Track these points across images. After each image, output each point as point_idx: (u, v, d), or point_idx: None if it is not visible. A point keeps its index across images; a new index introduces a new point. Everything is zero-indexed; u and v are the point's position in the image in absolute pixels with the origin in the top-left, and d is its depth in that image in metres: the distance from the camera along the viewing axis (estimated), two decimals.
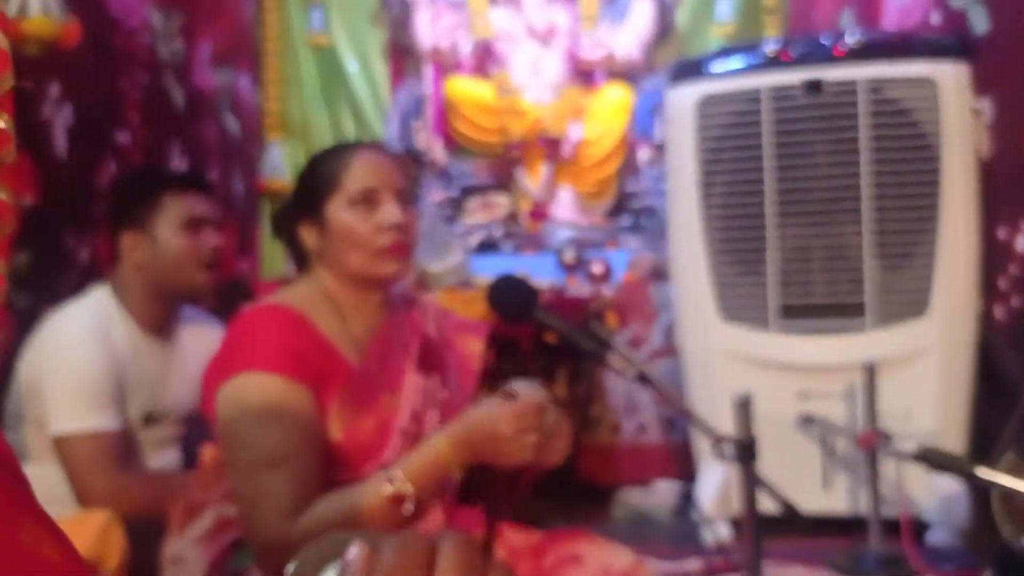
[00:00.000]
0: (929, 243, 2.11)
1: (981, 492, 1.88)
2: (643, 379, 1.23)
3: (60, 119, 1.99)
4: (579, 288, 2.85)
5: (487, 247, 3.42)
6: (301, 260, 1.38)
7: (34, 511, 0.25)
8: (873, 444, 1.91)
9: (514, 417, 1.13)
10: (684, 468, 2.55)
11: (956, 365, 2.12)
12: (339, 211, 1.27)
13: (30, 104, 1.91)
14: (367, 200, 1.27)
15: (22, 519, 0.24)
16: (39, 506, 0.25)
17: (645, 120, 3.74)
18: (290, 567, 0.35)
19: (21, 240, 1.84)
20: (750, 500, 1.21)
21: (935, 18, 2.33)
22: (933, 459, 1.42)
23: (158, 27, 2.50)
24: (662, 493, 2.65)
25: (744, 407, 1.23)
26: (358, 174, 1.28)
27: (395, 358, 1.34)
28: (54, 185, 1.95)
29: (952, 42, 2.13)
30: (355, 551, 0.32)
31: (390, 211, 1.27)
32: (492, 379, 1.37)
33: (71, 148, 2.03)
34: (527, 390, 1.17)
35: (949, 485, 2.00)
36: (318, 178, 1.31)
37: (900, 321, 2.14)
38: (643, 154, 3.69)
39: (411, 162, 3.44)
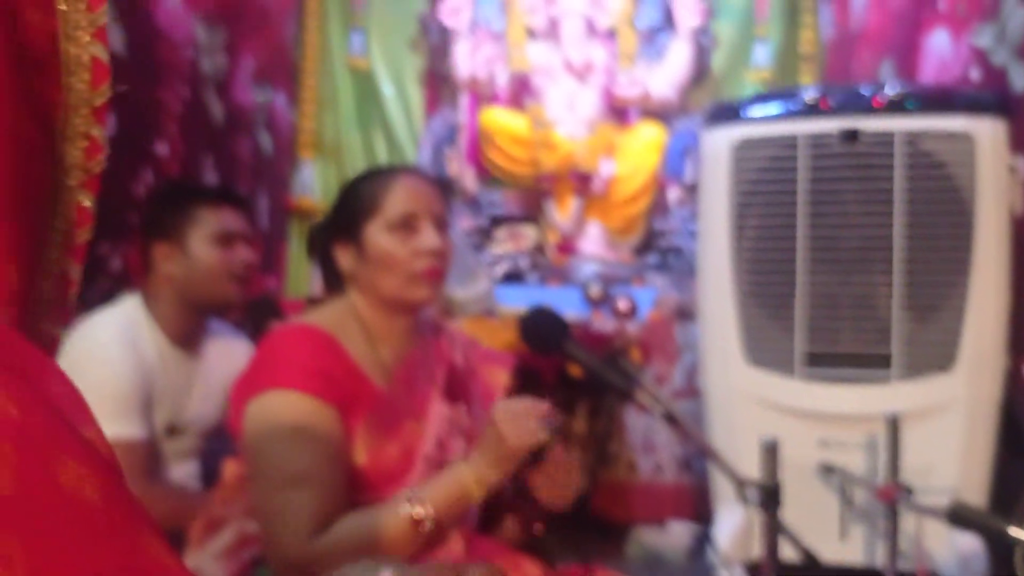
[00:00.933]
0: (959, 297, 2.09)
1: (1001, 549, 1.85)
2: (669, 418, 1.23)
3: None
4: (603, 323, 2.85)
5: (513, 277, 3.44)
6: (332, 281, 1.39)
7: (76, 450, 0.24)
8: (893, 497, 1.89)
9: (508, 407, 1.19)
10: (699, 510, 2.52)
11: (980, 421, 2.10)
12: (378, 234, 1.29)
13: None
14: (406, 225, 1.29)
15: (62, 459, 0.23)
16: (84, 445, 0.25)
17: (677, 160, 3.76)
18: None
19: None
20: (772, 546, 1.20)
21: (974, 74, 2.33)
22: (962, 516, 1.40)
23: (202, 41, 2.55)
24: (677, 534, 2.63)
25: (771, 452, 1.22)
26: (398, 198, 1.29)
27: (421, 385, 1.34)
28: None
29: (991, 98, 2.13)
30: None
31: (428, 237, 1.29)
32: None
33: (110, 157, 2.05)
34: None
35: (968, 541, 1.97)
36: (358, 200, 1.32)
37: (926, 374, 2.12)
38: (673, 194, 3.70)
39: (446, 189, 3.47)
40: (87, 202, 0.35)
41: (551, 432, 1.20)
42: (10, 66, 0.29)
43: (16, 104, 0.29)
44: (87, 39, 0.33)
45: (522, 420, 1.17)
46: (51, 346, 0.35)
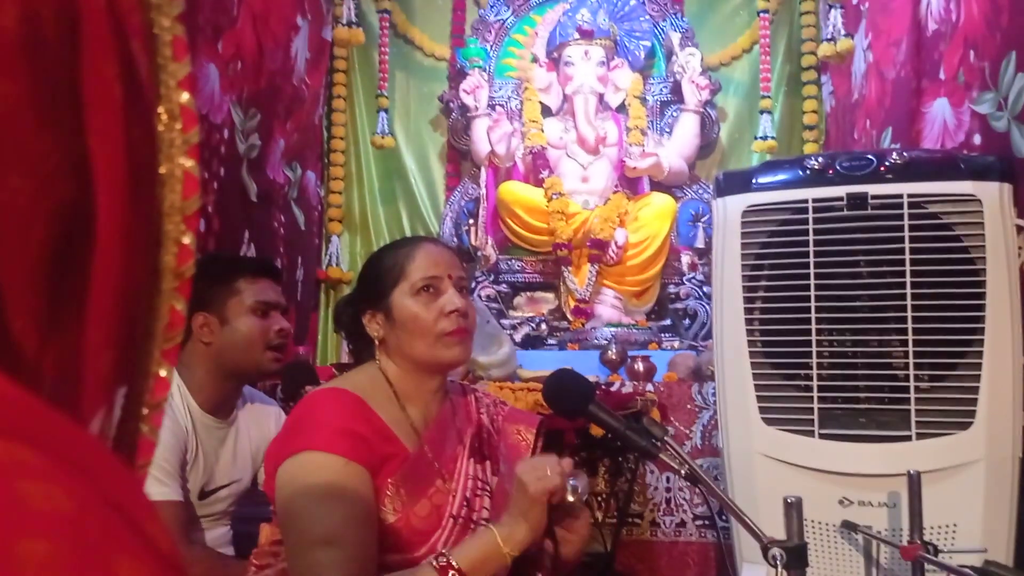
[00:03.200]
0: (974, 355, 2.12)
1: None
2: (693, 477, 1.25)
3: None
4: (622, 384, 2.89)
5: (533, 342, 3.49)
6: (360, 350, 1.44)
7: (134, 548, 0.23)
8: (917, 555, 1.89)
9: (530, 461, 1.23)
10: (722, 568, 2.51)
11: (1002, 477, 2.10)
12: (403, 299, 1.34)
13: None
14: (429, 288, 1.35)
15: (119, 558, 0.22)
16: (143, 543, 0.24)
17: (687, 227, 3.85)
18: None
19: None
20: None
21: (977, 139, 2.40)
22: (997, 574, 1.41)
23: (238, 124, 2.68)
24: None
25: (795, 510, 1.22)
26: (421, 264, 1.36)
27: (450, 445, 1.37)
28: None
29: (995, 163, 2.19)
30: None
31: (451, 298, 1.35)
32: None
33: None
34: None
35: None
36: (383, 270, 1.38)
37: (945, 432, 2.13)
38: (685, 259, 3.77)
39: (467, 257, 3.55)
40: (179, 306, 0.35)
41: (572, 487, 1.22)
42: (127, 171, 0.32)
43: (128, 218, 0.32)
44: (180, 155, 0.35)
45: (541, 470, 1.20)
46: (135, 449, 0.36)
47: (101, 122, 0.31)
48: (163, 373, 0.36)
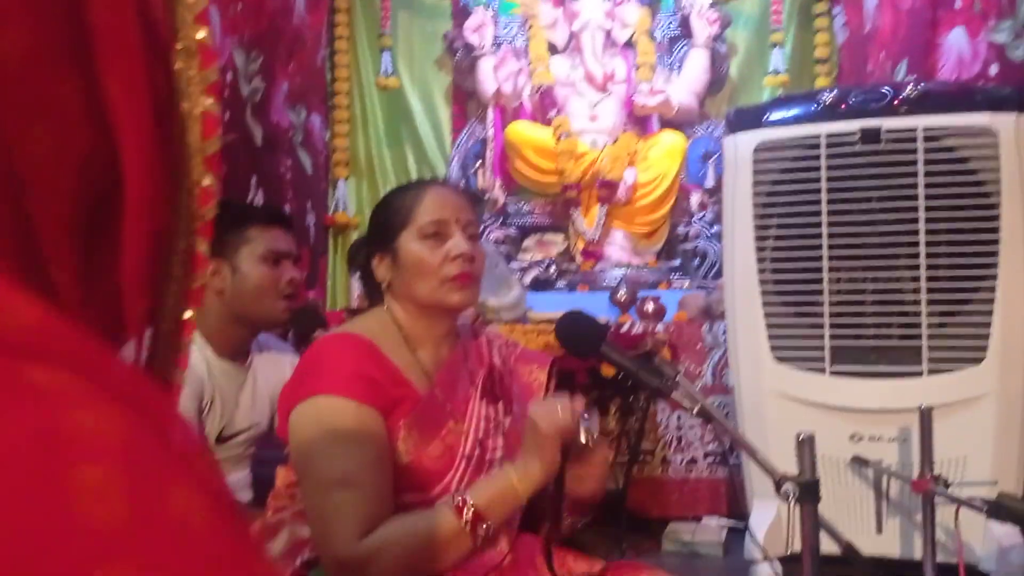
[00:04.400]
0: (987, 290, 2.11)
1: None
2: (705, 415, 1.25)
3: None
4: (632, 325, 2.89)
5: (543, 284, 3.49)
6: (373, 293, 1.44)
7: (187, 475, 0.23)
8: (928, 489, 1.91)
9: (542, 402, 1.23)
10: (734, 505, 2.55)
11: (1012, 412, 2.11)
12: (410, 243, 1.33)
13: None
14: (436, 233, 1.33)
15: (173, 487, 0.23)
16: (196, 472, 0.24)
17: (697, 166, 3.81)
18: None
19: None
20: (812, 541, 1.20)
21: (993, 70, 2.35)
22: (1004, 509, 1.42)
23: (240, 66, 2.64)
24: (712, 529, 2.65)
25: (808, 446, 1.22)
26: (428, 208, 1.34)
27: (461, 387, 1.38)
28: None
29: (1012, 93, 2.15)
30: None
31: (457, 242, 1.33)
32: None
33: None
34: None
35: (1007, 533, 1.98)
36: (391, 213, 1.37)
37: (957, 367, 2.14)
38: (695, 199, 3.74)
39: (476, 200, 3.53)
40: (202, 247, 0.35)
41: (585, 427, 1.23)
42: (150, 114, 0.31)
43: (154, 160, 0.31)
44: (198, 93, 0.34)
45: (553, 410, 1.20)
46: (170, 393, 0.35)
47: (119, 65, 0.30)
48: (188, 315, 0.36)
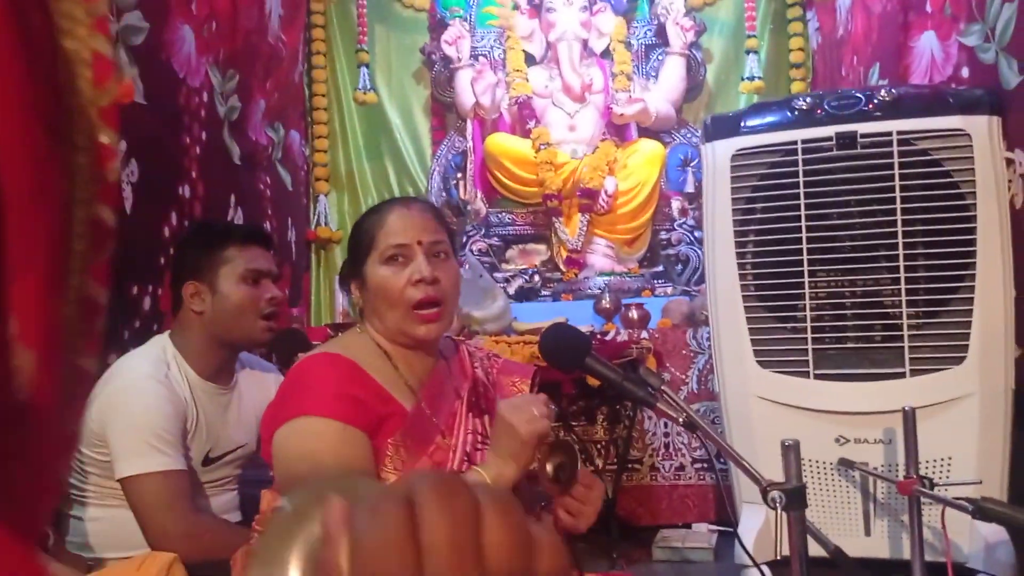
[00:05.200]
0: (966, 290, 2.13)
1: None
2: (691, 424, 1.26)
3: (127, 174, 2.09)
4: (617, 333, 2.90)
5: (527, 294, 3.50)
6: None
7: None
8: (914, 490, 1.92)
9: (510, 402, 1.23)
10: (723, 510, 2.56)
11: (995, 410, 2.13)
12: (375, 268, 1.32)
13: None
14: (397, 256, 1.32)
15: None
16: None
17: (677, 172, 3.83)
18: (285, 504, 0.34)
19: None
20: (800, 547, 1.21)
21: (965, 72, 2.38)
22: (988, 511, 1.43)
23: (216, 86, 2.63)
24: (702, 535, 2.66)
25: (793, 453, 1.23)
26: (389, 231, 1.33)
27: (447, 401, 1.37)
28: (120, 237, 2.03)
29: (984, 96, 2.18)
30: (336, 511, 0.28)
31: (418, 266, 1.31)
32: None
33: (136, 201, 2.12)
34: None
35: (993, 531, 1.99)
36: (360, 238, 1.36)
37: (939, 368, 2.15)
38: (675, 205, 3.76)
39: (450, 214, 3.53)
40: (104, 215, 0.29)
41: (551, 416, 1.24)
42: (20, 72, 0.26)
43: (26, 112, 0.26)
44: (85, 32, 0.28)
45: (526, 409, 1.20)
46: (84, 381, 0.31)
47: None
48: (97, 296, 0.30)
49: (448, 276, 1.34)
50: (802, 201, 2.23)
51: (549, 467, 1.26)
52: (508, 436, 1.19)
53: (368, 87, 3.90)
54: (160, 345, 1.76)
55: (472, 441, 1.38)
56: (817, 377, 2.24)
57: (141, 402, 1.63)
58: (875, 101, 2.23)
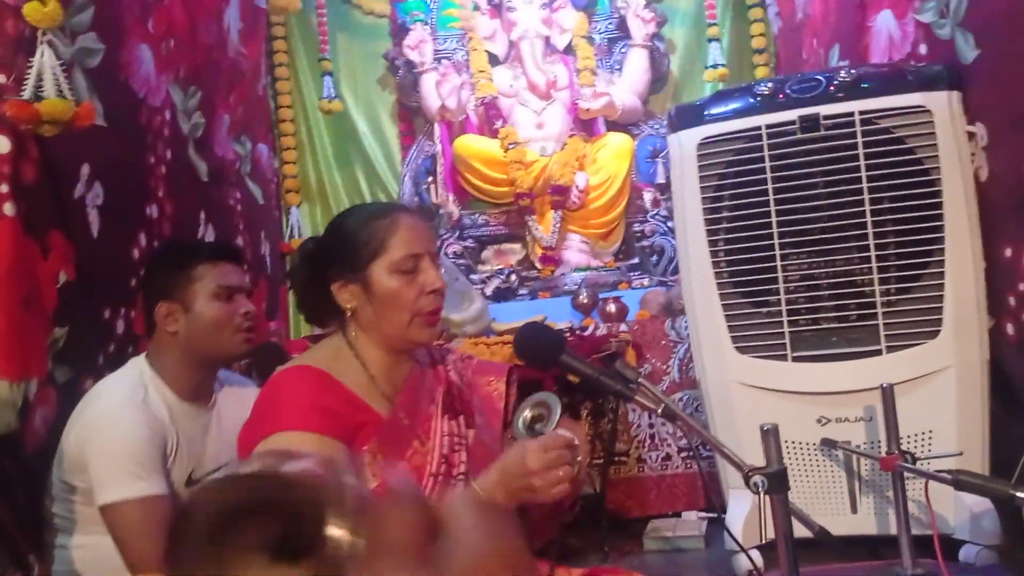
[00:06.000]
0: (936, 264, 2.15)
1: (1010, 507, 1.90)
2: (670, 415, 1.26)
3: (91, 197, 2.07)
4: (596, 328, 2.91)
5: (504, 294, 3.50)
6: (321, 314, 1.40)
7: None
8: (896, 465, 1.94)
9: (541, 452, 1.17)
10: (712, 497, 2.58)
11: (972, 382, 2.16)
12: (383, 274, 1.32)
13: (64, 184, 1.98)
14: (410, 266, 1.33)
15: None
16: None
17: (647, 164, 3.84)
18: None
19: (60, 315, 1.89)
20: (785, 529, 1.22)
21: (923, 49, 2.41)
22: (967, 483, 1.45)
23: (178, 103, 2.60)
24: (692, 523, 2.68)
25: (772, 437, 1.23)
26: (403, 240, 1.33)
27: (422, 406, 1.38)
28: (89, 261, 2.01)
29: (943, 71, 2.20)
30: None
31: (432, 277, 1.33)
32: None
33: (103, 224, 2.09)
34: (559, 429, 1.22)
35: (978, 502, 2.02)
36: (362, 240, 1.34)
37: (914, 343, 2.18)
38: (647, 196, 3.78)
39: (428, 215, 3.53)
40: None
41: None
42: None
43: None
44: None
45: (554, 474, 1.16)
46: None
47: None
48: None
49: (444, 285, 1.38)
50: (770, 186, 2.25)
51: (528, 414, 1.26)
52: (519, 476, 1.16)
53: (333, 95, 3.88)
54: (137, 368, 1.75)
55: (449, 443, 1.38)
56: (795, 359, 2.25)
57: (119, 428, 1.61)
58: (836, 82, 2.25)
